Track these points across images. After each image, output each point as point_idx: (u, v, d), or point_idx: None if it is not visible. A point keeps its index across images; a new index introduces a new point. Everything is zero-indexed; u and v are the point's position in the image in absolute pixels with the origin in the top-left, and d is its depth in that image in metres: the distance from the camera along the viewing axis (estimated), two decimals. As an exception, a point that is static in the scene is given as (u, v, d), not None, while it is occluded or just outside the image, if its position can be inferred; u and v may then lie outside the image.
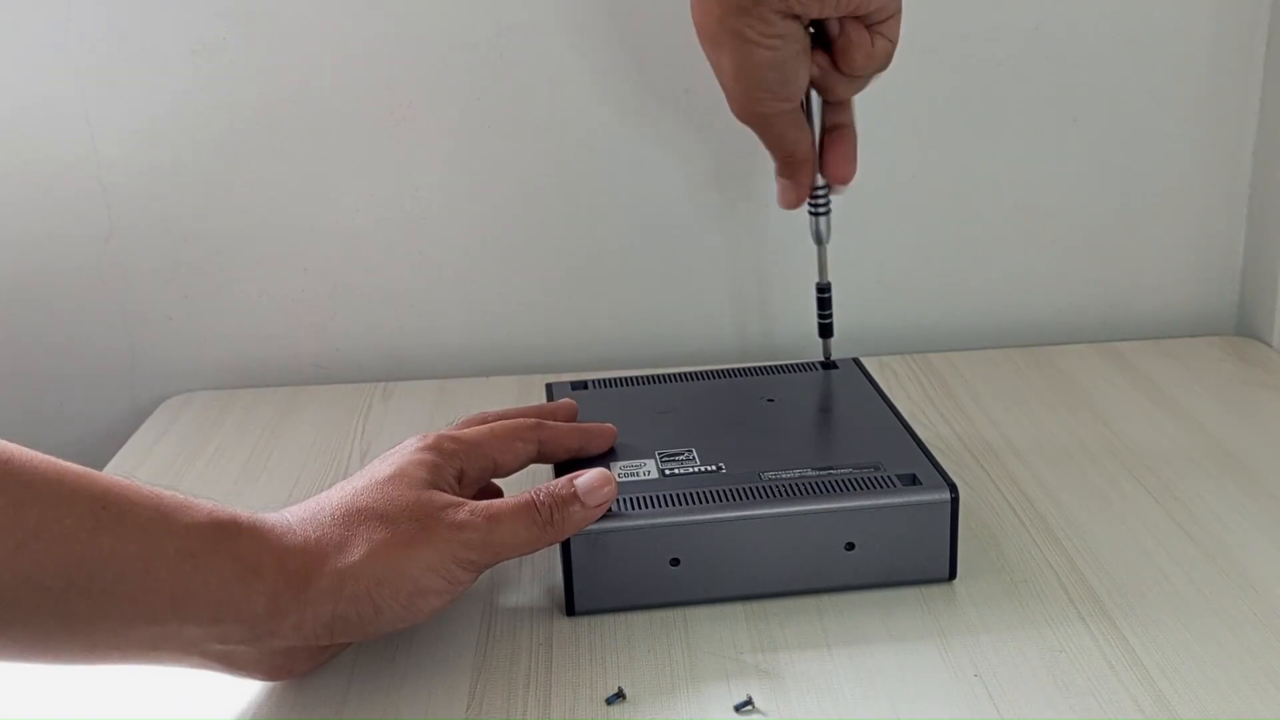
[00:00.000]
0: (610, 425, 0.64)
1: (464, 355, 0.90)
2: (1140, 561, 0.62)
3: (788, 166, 0.70)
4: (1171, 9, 0.85)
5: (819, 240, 0.73)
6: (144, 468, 0.77)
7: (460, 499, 0.55)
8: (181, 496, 0.50)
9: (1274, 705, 0.51)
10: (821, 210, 0.72)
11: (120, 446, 0.80)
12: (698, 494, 0.59)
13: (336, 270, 0.88)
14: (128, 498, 0.48)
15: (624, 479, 0.61)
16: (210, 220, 0.86)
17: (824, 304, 0.75)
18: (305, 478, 0.74)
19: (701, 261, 0.89)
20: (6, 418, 0.90)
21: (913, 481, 0.60)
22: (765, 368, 0.75)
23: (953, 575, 0.60)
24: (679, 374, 0.74)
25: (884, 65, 0.67)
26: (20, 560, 0.44)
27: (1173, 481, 0.69)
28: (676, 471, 0.61)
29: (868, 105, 0.71)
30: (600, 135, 0.86)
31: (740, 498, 0.59)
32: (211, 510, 0.50)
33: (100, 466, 0.76)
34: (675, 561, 0.58)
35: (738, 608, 0.59)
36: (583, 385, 0.73)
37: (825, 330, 0.75)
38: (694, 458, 0.63)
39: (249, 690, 0.54)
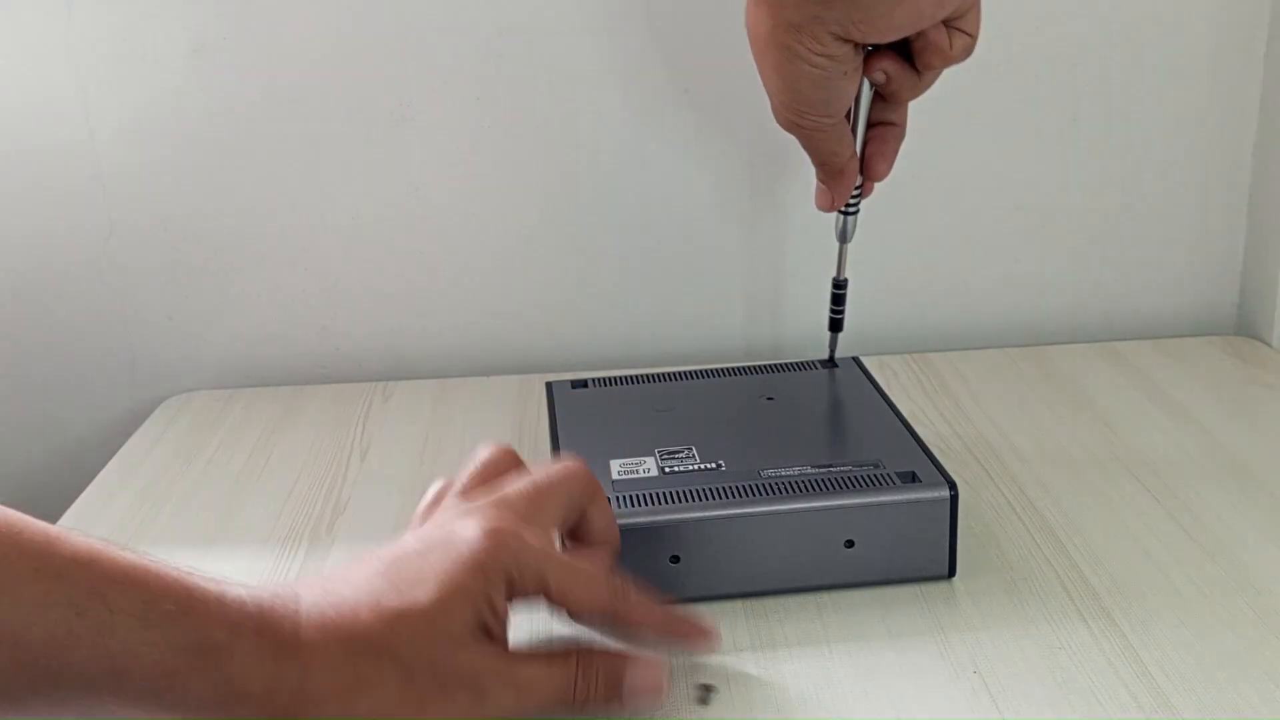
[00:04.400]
0: (707, 627, 0.55)
1: (464, 355, 0.90)
2: (1140, 560, 0.62)
3: (825, 174, 0.68)
4: (1171, 9, 0.85)
5: (843, 239, 0.72)
6: (144, 468, 0.77)
7: (496, 659, 0.48)
8: (177, 589, 0.45)
9: (1274, 703, 0.51)
10: (851, 210, 0.71)
11: (120, 446, 0.80)
12: (697, 492, 0.59)
13: (336, 270, 0.88)
14: (111, 595, 0.44)
15: (624, 477, 0.61)
16: (210, 220, 0.86)
17: (838, 300, 0.74)
18: (305, 478, 0.74)
19: (702, 261, 0.89)
20: (6, 418, 0.90)
21: (912, 479, 0.60)
22: (765, 366, 0.75)
23: (952, 573, 0.60)
24: (679, 373, 0.74)
25: (962, 59, 0.63)
26: None
27: (1172, 480, 0.69)
28: (676, 469, 0.61)
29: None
30: (600, 135, 0.86)
31: (740, 495, 0.59)
32: (206, 622, 0.45)
33: (100, 466, 0.76)
34: (675, 559, 0.58)
35: (737, 605, 0.59)
36: (582, 384, 0.73)
37: (835, 325, 0.74)
38: (694, 456, 0.63)
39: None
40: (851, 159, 0.67)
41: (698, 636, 0.55)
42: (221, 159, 0.85)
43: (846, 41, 0.60)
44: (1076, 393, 0.81)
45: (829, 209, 0.70)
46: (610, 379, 0.73)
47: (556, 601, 0.51)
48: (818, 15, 0.59)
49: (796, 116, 0.64)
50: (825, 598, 0.59)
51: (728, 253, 0.89)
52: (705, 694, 0.53)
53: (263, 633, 0.46)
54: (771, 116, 0.66)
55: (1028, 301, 0.92)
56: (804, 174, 0.87)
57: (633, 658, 0.51)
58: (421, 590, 0.47)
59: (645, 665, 0.51)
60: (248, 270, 0.88)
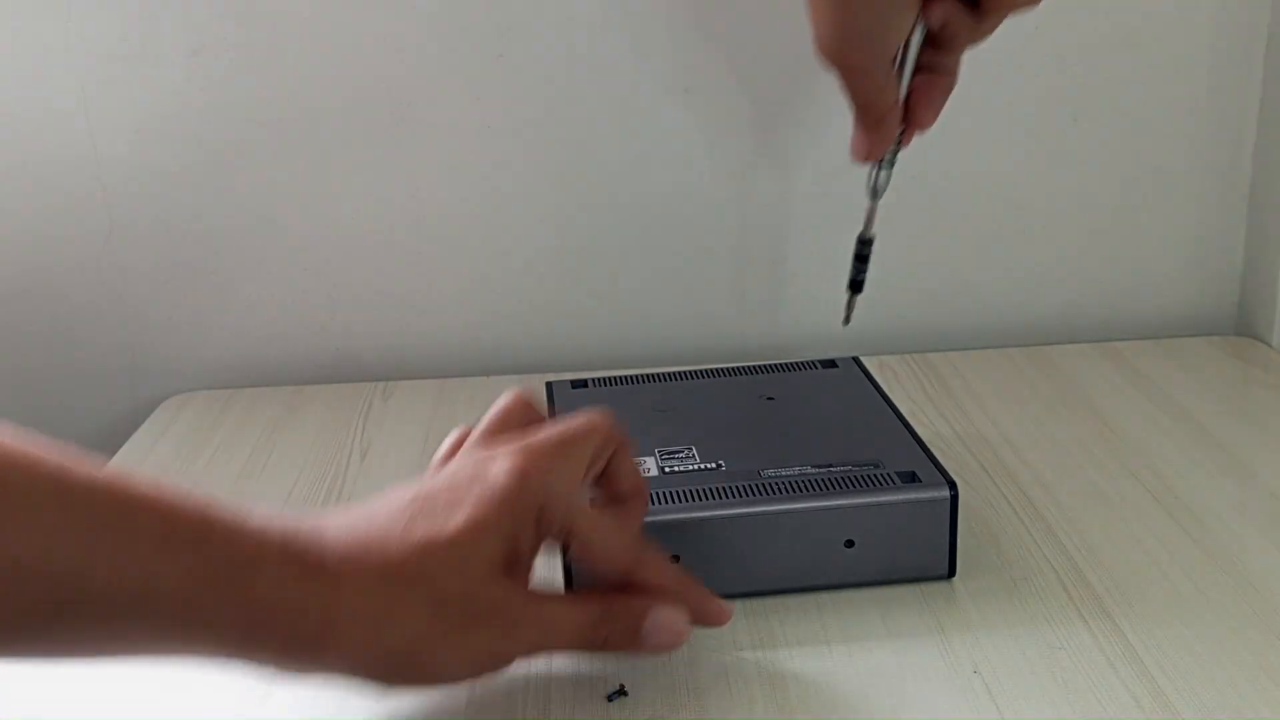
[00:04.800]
0: (726, 608, 0.55)
1: (464, 355, 0.90)
2: (1139, 559, 0.62)
3: (865, 119, 0.61)
4: (1171, 9, 0.85)
5: (875, 194, 0.66)
6: (144, 468, 0.77)
7: (521, 596, 0.49)
8: (198, 514, 0.44)
9: (1273, 703, 0.51)
10: (886, 161, 0.65)
11: (120, 446, 0.80)
12: (697, 491, 0.59)
13: (336, 270, 0.88)
14: (130, 519, 0.43)
15: (623, 477, 0.61)
16: (210, 220, 0.86)
17: (863, 259, 0.68)
18: (305, 478, 0.74)
19: (701, 261, 0.89)
20: (6, 418, 0.90)
21: (912, 479, 0.60)
22: (765, 366, 0.75)
23: (952, 573, 0.60)
24: (679, 373, 0.74)
25: (1031, 4, 0.58)
26: (6, 584, 0.41)
27: (1172, 480, 0.69)
28: (676, 469, 0.61)
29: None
30: (600, 135, 0.86)
31: (740, 495, 0.59)
32: (231, 545, 0.44)
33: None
34: (675, 559, 0.58)
35: (737, 605, 0.58)
36: (582, 384, 0.73)
37: (856, 286, 0.69)
38: (693, 455, 0.63)
39: (247, 690, 0.54)
40: (895, 106, 0.61)
41: (710, 610, 0.54)
42: (221, 159, 0.85)
43: None
44: (1076, 393, 0.81)
45: (865, 159, 0.64)
46: (610, 379, 0.73)
47: (579, 550, 0.51)
48: None
49: (843, 52, 0.58)
50: (825, 598, 0.59)
51: (728, 252, 0.89)
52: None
53: (289, 557, 0.45)
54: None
55: (1028, 301, 0.92)
56: (804, 175, 0.87)
57: (654, 603, 0.51)
58: (451, 522, 0.47)
59: (666, 610, 0.51)
60: (248, 270, 0.88)
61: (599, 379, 0.73)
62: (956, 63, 0.62)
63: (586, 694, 0.53)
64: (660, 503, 0.58)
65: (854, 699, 0.52)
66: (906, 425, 0.66)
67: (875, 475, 0.60)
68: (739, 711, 0.52)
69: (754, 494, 0.59)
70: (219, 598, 0.43)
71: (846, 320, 0.70)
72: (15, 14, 0.81)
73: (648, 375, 0.74)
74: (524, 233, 0.88)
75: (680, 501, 0.58)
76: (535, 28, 0.83)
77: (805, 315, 0.88)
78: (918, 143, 0.87)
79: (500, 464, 0.50)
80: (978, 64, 0.85)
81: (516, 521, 0.49)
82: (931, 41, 0.60)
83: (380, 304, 0.89)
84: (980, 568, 0.61)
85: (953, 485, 0.59)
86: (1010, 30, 0.85)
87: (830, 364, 0.75)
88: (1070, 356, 0.87)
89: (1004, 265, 0.91)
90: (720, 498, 0.58)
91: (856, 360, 0.75)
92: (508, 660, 0.49)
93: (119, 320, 0.88)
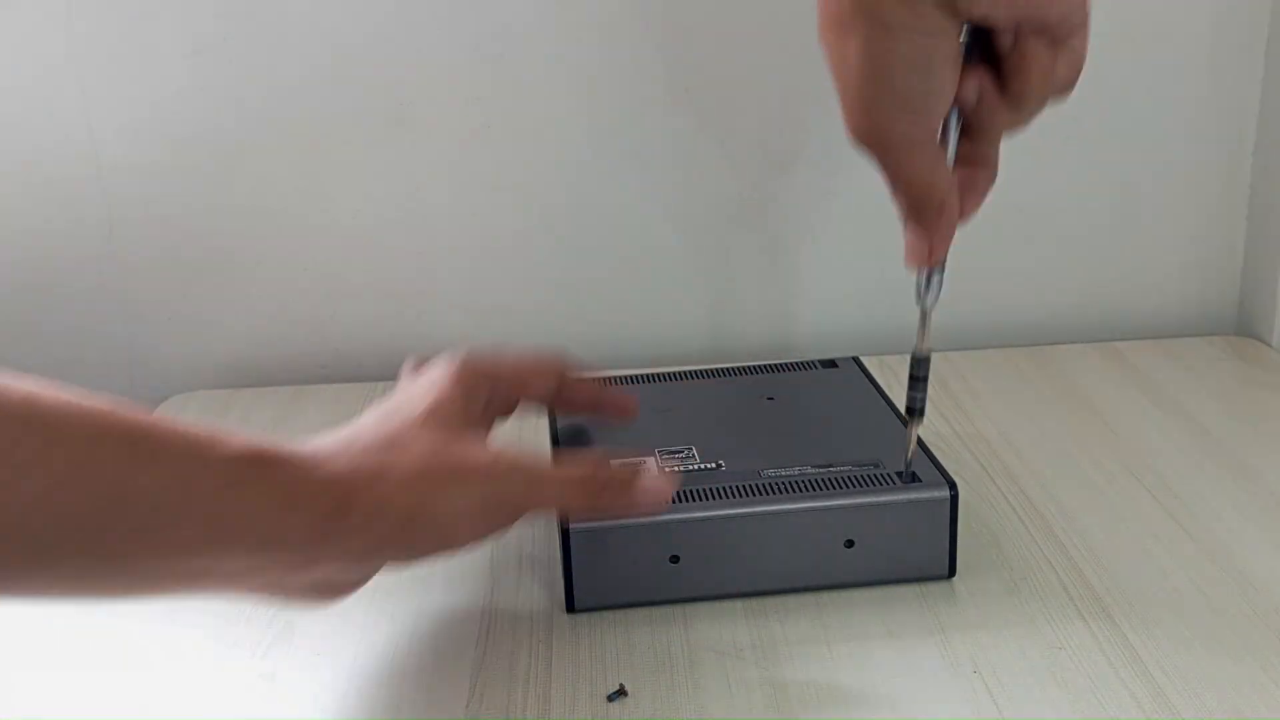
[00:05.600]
0: (632, 396, 0.67)
1: (464, 355, 0.90)
2: (1140, 559, 0.62)
3: (919, 211, 0.53)
4: (1171, 9, 0.85)
5: (929, 301, 0.56)
6: (144, 467, 0.77)
7: (500, 451, 0.54)
8: (212, 431, 0.48)
9: (1273, 703, 0.51)
10: (938, 265, 0.55)
11: (120, 446, 0.80)
12: (697, 491, 0.59)
13: (336, 270, 0.88)
14: (159, 431, 0.46)
15: (623, 477, 0.61)
16: (210, 219, 0.86)
17: (920, 380, 0.59)
18: (305, 477, 0.74)
19: (702, 261, 0.89)
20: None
21: (912, 479, 0.60)
22: (765, 366, 0.75)
23: (952, 573, 0.60)
24: (679, 373, 0.74)
25: (1065, 90, 0.51)
26: (53, 501, 0.42)
27: (1172, 480, 0.69)
28: (676, 469, 0.61)
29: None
30: (600, 134, 0.86)
31: (740, 495, 0.59)
32: (246, 443, 0.48)
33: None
34: (675, 559, 0.58)
35: (737, 605, 0.59)
36: (583, 384, 0.73)
37: (910, 411, 0.60)
38: (693, 455, 0.63)
39: (247, 687, 0.54)
40: (952, 190, 0.53)
41: (625, 402, 0.66)
42: (221, 159, 0.85)
43: (949, 12, 0.48)
44: (1076, 393, 0.81)
45: (926, 263, 0.55)
46: (610, 379, 0.73)
47: (516, 386, 0.61)
48: None
49: (882, 118, 0.51)
50: (825, 598, 0.59)
51: (728, 252, 0.89)
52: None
53: (295, 454, 0.50)
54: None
55: (1028, 301, 0.92)
56: (804, 174, 0.87)
57: (644, 468, 0.59)
58: (418, 408, 0.55)
59: (655, 473, 0.58)
60: (248, 270, 0.88)
61: (599, 379, 0.73)
62: (994, 154, 0.55)
63: (586, 694, 0.53)
64: (660, 503, 0.58)
65: (854, 699, 0.52)
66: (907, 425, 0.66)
67: (875, 475, 0.60)
68: (739, 711, 0.52)
69: (754, 494, 0.59)
70: (252, 487, 0.47)
71: (909, 461, 0.60)
72: (15, 14, 0.81)
73: (648, 375, 0.74)
74: (524, 232, 0.88)
75: (680, 501, 0.58)
76: (535, 28, 0.83)
77: (805, 315, 0.88)
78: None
79: (443, 362, 0.58)
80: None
81: (471, 390, 0.57)
82: (966, 130, 0.53)
83: (380, 304, 0.89)
84: (980, 568, 0.61)
85: (953, 485, 0.59)
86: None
87: (830, 364, 0.75)
88: (1070, 356, 0.87)
89: (1004, 265, 0.91)
90: (720, 498, 0.58)
91: (856, 360, 0.75)
92: (506, 514, 0.53)
93: (119, 321, 0.88)
